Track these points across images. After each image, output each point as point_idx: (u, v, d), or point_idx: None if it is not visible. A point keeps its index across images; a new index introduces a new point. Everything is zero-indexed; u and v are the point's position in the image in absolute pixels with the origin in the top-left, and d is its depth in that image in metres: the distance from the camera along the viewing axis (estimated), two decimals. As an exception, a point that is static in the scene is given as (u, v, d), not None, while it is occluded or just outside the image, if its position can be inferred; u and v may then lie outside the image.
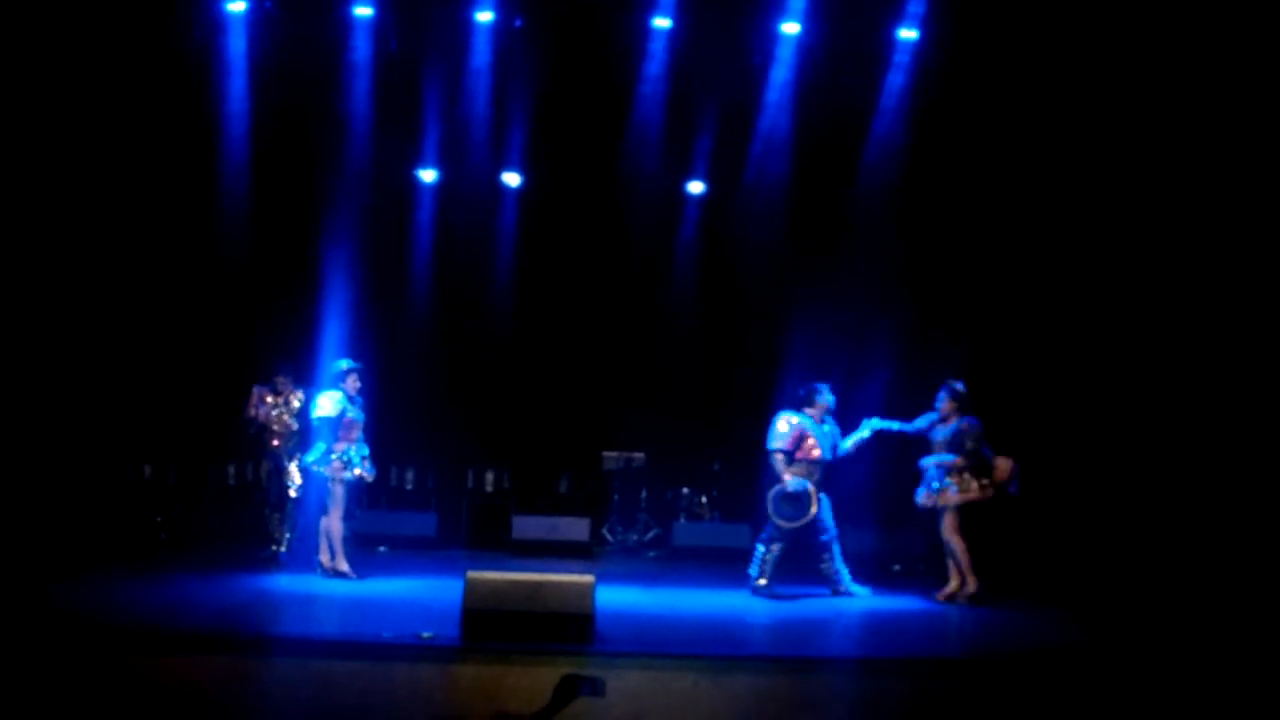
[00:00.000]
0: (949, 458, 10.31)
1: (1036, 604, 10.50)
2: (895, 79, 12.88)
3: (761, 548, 10.50)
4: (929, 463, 10.43)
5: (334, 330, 11.76)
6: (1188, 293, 12.21)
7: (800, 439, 10.34)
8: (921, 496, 10.44)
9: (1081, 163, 12.54)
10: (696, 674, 7.47)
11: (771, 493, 10.37)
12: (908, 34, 12.76)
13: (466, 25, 12.87)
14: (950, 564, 10.36)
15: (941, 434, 10.39)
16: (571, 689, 5.06)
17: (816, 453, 10.36)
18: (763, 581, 10.40)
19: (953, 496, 10.25)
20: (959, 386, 10.42)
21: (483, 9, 12.78)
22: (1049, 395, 12.68)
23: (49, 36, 11.73)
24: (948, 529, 10.30)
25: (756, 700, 7.22)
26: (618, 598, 9.54)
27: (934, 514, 10.43)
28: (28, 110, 11.89)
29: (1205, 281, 12.14)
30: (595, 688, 5.13)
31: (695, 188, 14.04)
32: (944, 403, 10.41)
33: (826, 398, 10.50)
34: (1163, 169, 12.16)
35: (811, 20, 12.69)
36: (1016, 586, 11.09)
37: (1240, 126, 11.76)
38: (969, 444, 10.24)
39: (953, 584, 10.36)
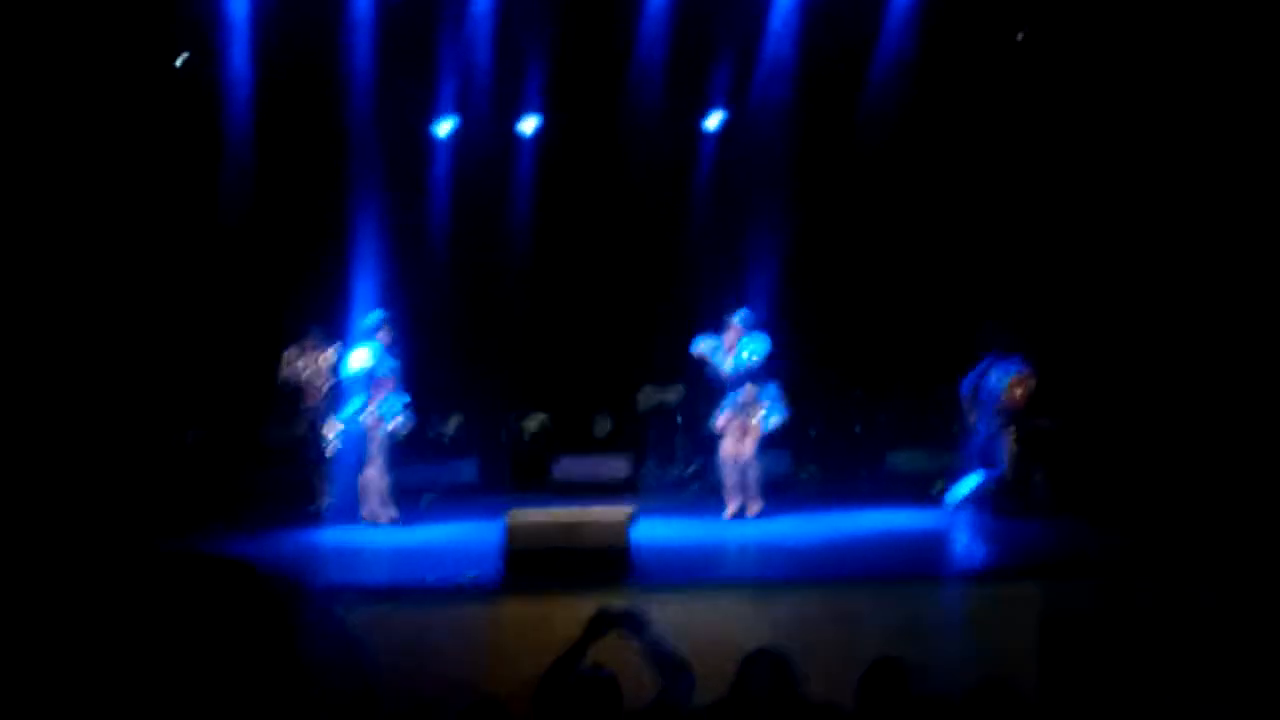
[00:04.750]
0: None
1: (1078, 520, 10.45)
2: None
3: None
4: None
5: (363, 285, 11.83)
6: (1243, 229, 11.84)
7: None
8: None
9: (1099, 81, 12.29)
10: (735, 600, 7.58)
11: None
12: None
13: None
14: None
15: None
16: (604, 624, 5.08)
17: None
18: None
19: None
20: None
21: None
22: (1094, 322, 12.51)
23: (49, 19, 11.76)
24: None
25: (797, 622, 7.30)
26: (658, 532, 9.64)
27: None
28: (40, 86, 11.95)
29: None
30: (634, 623, 5.07)
31: (711, 121, 13.91)
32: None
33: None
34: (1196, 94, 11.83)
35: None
36: (1062, 504, 11.06)
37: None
38: None
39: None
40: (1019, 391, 10.56)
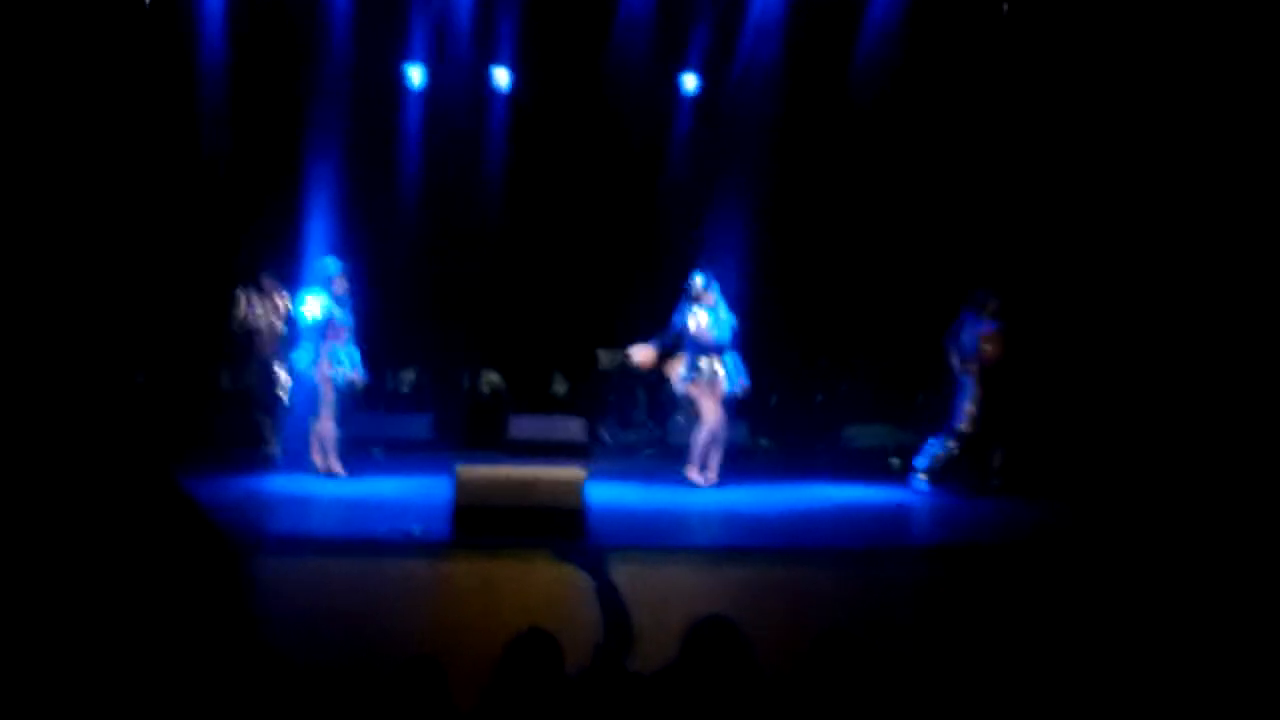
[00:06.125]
0: None
1: (1038, 496, 10.45)
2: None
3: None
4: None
5: (320, 231, 11.60)
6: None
7: None
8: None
9: (1085, 51, 12.15)
10: (687, 566, 7.49)
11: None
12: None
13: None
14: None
15: None
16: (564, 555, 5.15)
17: None
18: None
19: None
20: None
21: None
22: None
23: None
24: None
25: (749, 590, 7.22)
26: (612, 495, 9.53)
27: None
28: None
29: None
30: (594, 563, 5.12)
31: (689, 81, 13.70)
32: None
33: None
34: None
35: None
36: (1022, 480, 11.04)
37: None
38: None
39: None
40: (989, 348, 10.56)
